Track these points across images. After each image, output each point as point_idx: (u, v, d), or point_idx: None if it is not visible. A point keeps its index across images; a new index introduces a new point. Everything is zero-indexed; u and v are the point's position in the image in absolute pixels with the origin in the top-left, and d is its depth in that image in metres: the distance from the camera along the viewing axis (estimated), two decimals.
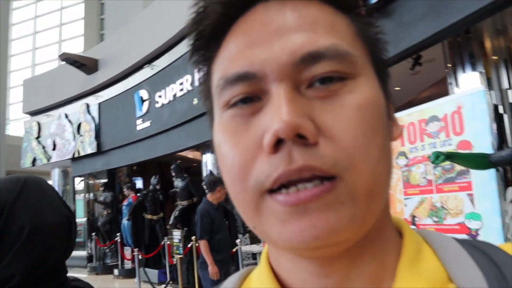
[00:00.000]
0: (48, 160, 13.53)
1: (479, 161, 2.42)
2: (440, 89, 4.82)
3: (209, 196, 4.48)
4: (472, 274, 0.35)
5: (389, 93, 0.41)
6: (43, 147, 13.68)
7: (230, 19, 0.38)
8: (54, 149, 13.21)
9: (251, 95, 0.36)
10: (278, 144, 0.33)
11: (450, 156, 2.38)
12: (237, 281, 0.45)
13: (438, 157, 2.35)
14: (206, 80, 0.42)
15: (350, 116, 0.34)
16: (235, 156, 0.36)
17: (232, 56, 0.37)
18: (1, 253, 0.79)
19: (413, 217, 3.23)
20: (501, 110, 3.60)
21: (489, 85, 3.77)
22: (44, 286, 0.85)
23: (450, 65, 4.07)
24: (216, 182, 4.48)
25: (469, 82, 3.81)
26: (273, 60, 0.35)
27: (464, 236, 2.87)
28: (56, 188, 12.45)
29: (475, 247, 0.39)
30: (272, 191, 0.34)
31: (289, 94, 0.34)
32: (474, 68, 3.86)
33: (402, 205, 3.35)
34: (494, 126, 3.53)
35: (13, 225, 0.83)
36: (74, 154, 12.39)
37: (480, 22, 3.66)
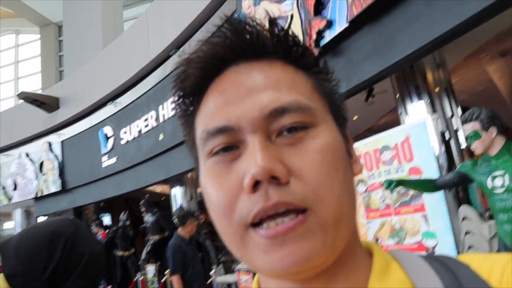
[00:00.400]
0: (9, 201, 13.08)
1: (427, 186, 2.71)
2: (395, 116, 5.21)
3: (180, 231, 4.50)
4: (432, 281, 0.41)
5: (347, 135, 0.48)
6: (3, 188, 13.20)
7: (207, 80, 0.45)
8: (15, 189, 12.79)
9: (230, 145, 0.42)
10: (256, 185, 0.38)
11: (401, 183, 2.66)
12: None
13: (390, 184, 2.63)
14: (190, 132, 0.48)
15: (313, 158, 0.40)
16: (219, 196, 0.41)
17: (212, 112, 0.43)
18: (66, 275, 1.04)
19: (376, 239, 3.49)
20: (447, 136, 3.97)
21: (436, 114, 4.15)
22: None
23: (398, 96, 4.44)
24: (186, 215, 4.51)
25: (416, 112, 4.17)
26: (247, 115, 0.41)
27: (422, 254, 3.16)
28: (18, 229, 12.00)
29: (436, 260, 0.45)
30: (254, 224, 0.39)
31: (262, 143, 0.40)
32: (420, 98, 4.23)
33: (366, 228, 3.62)
34: (443, 151, 3.88)
35: (75, 253, 1.07)
36: (37, 193, 12.08)
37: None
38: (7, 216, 18.10)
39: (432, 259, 0.46)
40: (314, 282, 0.42)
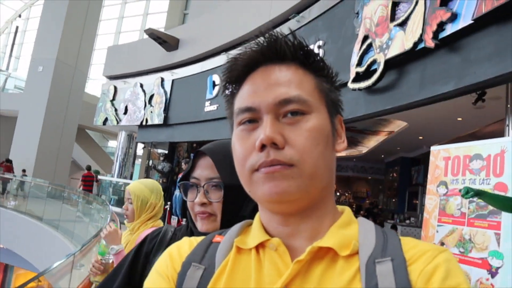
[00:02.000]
0: (118, 123, 14.47)
1: (506, 204, 2.59)
2: (503, 127, 4.84)
3: None
4: (369, 239, 0.62)
5: (338, 121, 0.68)
6: (116, 110, 14.64)
7: (246, 74, 0.66)
8: (125, 113, 14.10)
9: (252, 119, 0.62)
10: (263, 147, 0.59)
11: (479, 194, 2.57)
12: (240, 227, 0.73)
13: (468, 192, 2.56)
14: (230, 107, 0.69)
15: (303, 134, 0.60)
16: (241, 151, 0.62)
17: (244, 96, 0.64)
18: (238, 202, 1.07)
19: (442, 243, 3.43)
20: None
21: None
22: None
23: (509, 106, 4.14)
24: None
25: None
26: (265, 102, 0.61)
27: (484, 272, 3.06)
28: (120, 150, 13.20)
29: (382, 230, 0.65)
30: (257, 170, 0.60)
31: (271, 121, 0.60)
32: None
33: (434, 231, 3.56)
34: None
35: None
36: (142, 121, 13.21)
37: None
38: (114, 136, 20.13)
39: (381, 230, 0.65)
40: (290, 218, 0.64)
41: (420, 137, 9.58)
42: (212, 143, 1.15)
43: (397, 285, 0.54)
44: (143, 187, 2.27)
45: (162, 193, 2.38)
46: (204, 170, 1.09)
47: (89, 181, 12.84)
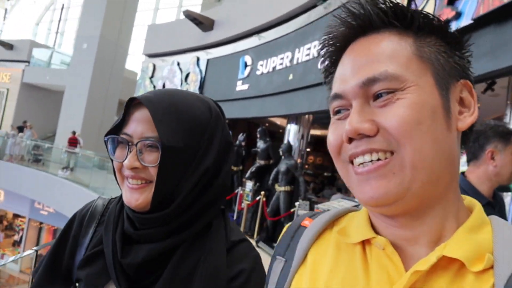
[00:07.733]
0: None
1: None
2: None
3: None
4: (509, 251, 0.47)
5: (448, 95, 0.53)
6: (154, 87, 15.27)
7: (339, 54, 0.60)
8: None
9: (342, 108, 0.56)
10: (351, 139, 0.53)
11: None
12: (335, 213, 0.65)
13: None
14: (329, 90, 0.62)
15: (397, 114, 0.50)
16: (332, 142, 0.57)
17: (335, 81, 0.59)
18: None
19: None
20: None
21: None
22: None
23: (509, 102, 4.41)
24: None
25: None
26: (350, 87, 0.54)
27: None
28: None
29: None
30: (351, 163, 0.54)
31: (357, 108, 0.53)
32: None
33: None
34: None
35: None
36: None
37: None
38: None
39: None
40: (399, 219, 0.53)
41: None
42: (153, 91, 0.90)
43: None
44: None
45: None
46: (140, 124, 0.84)
47: (73, 143, 15.48)
